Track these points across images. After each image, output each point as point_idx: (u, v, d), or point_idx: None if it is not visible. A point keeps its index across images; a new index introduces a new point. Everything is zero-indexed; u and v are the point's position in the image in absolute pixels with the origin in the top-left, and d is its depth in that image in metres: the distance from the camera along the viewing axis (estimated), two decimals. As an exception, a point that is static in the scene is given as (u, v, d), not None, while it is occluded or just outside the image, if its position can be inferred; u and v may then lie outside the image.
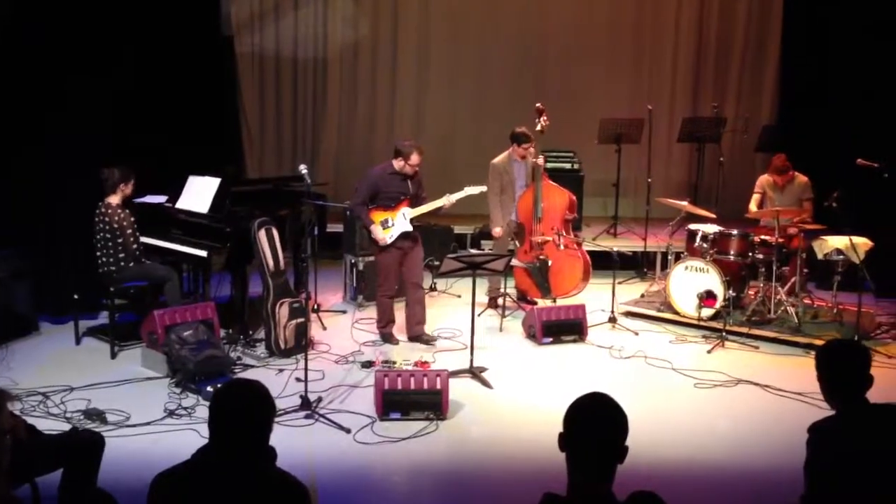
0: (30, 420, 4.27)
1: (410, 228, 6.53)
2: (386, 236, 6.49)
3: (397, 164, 6.49)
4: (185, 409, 5.31)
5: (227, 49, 9.87)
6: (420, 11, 10.28)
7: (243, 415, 2.53)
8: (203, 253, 6.57)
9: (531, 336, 6.98)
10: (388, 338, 6.79)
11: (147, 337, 6.11)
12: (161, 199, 7.17)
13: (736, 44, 10.47)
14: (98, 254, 6.39)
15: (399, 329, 6.88)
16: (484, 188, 6.95)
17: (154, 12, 8.04)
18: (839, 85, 9.14)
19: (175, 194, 7.02)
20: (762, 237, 7.25)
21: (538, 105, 7.44)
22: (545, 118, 7.37)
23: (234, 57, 9.98)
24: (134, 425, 5.09)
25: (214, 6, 9.63)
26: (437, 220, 8.08)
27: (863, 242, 7.01)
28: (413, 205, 6.55)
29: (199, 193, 6.86)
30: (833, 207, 6.66)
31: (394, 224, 6.50)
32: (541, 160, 7.40)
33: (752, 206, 7.69)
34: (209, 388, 5.43)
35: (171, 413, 5.25)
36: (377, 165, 6.80)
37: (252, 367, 6.20)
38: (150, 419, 5.15)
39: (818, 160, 7.92)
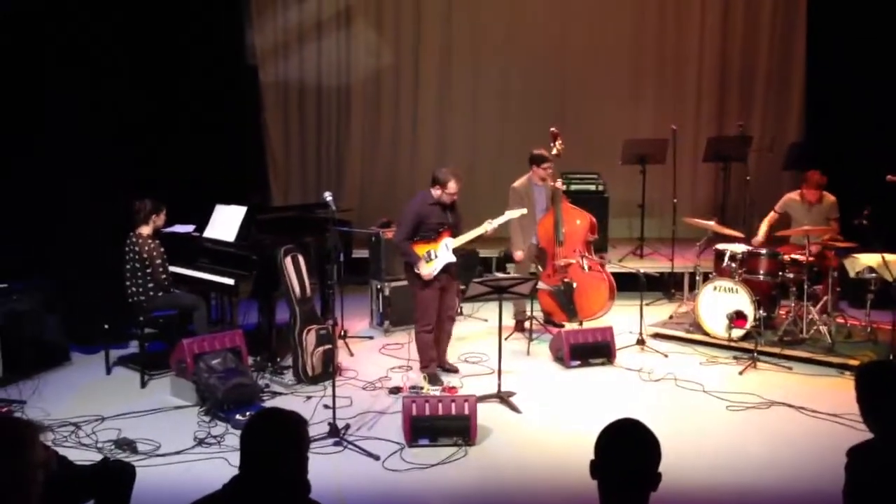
0: (61, 451, 4.30)
1: (454, 259, 6.32)
2: (431, 270, 6.24)
3: (435, 192, 6.27)
4: (215, 437, 5.31)
5: (251, 79, 9.99)
6: (442, 39, 10.35)
7: (273, 449, 2.51)
8: (230, 281, 6.62)
9: (559, 359, 6.93)
10: (435, 379, 6.33)
11: (176, 366, 6.15)
12: (189, 228, 7.25)
13: (761, 61, 10.42)
14: (127, 283, 6.46)
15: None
16: (524, 210, 6.87)
17: (179, 43, 8.18)
18: (866, 101, 9.04)
19: (202, 223, 7.09)
20: (792, 256, 7.16)
21: (552, 129, 7.45)
22: (560, 142, 7.38)
23: (258, 86, 10.10)
24: (164, 454, 5.11)
25: (239, 37, 9.77)
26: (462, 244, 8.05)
27: (895, 260, 6.90)
28: (453, 235, 6.36)
29: (225, 222, 6.93)
30: (864, 225, 6.58)
31: (437, 256, 6.28)
32: (559, 183, 7.41)
33: (763, 226, 7.67)
34: (238, 416, 5.45)
35: (200, 442, 5.27)
36: (414, 198, 6.50)
37: (280, 394, 6.21)
38: (180, 448, 5.17)
39: (847, 177, 7.83)
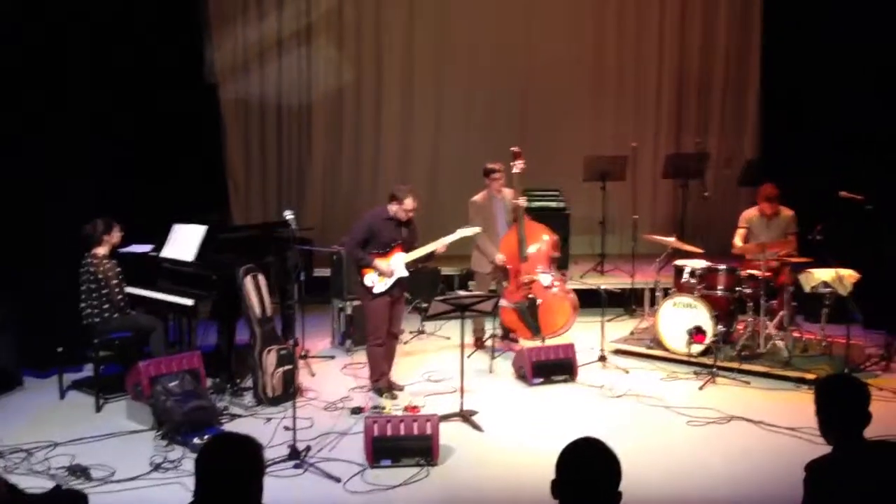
0: (12, 478, 4.19)
1: (406, 273, 6.38)
2: (383, 284, 6.30)
3: (392, 208, 6.32)
4: (172, 462, 5.21)
5: (211, 97, 9.91)
6: (403, 56, 10.37)
7: (229, 475, 2.46)
8: (189, 302, 6.52)
9: (521, 377, 6.93)
10: (383, 391, 6.46)
11: (132, 389, 6.04)
12: (146, 248, 7.14)
13: (717, 81, 10.61)
14: (82, 305, 6.33)
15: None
16: (477, 229, 6.88)
17: (137, 61, 8.09)
18: (819, 119, 9.23)
19: (160, 243, 6.99)
20: (749, 271, 7.25)
21: (513, 149, 7.49)
22: (521, 161, 7.42)
23: (218, 104, 10.01)
24: (119, 480, 4.99)
25: (198, 54, 9.69)
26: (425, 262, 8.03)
27: (849, 274, 7.03)
28: (406, 251, 6.41)
29: (184, 242, 6.84)
30: (818, 240, 6.70)
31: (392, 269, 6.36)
32: (522, 201, 7.45)
33: (738, 241, 7.69)
34: (196, 440, 5.35)
35: (157, 466, 5.16)
36: (371, 211, 6.58)
37: (239, 416, 6.11)
38: (136, 473, 5.06)
39: (802, 193, 7.97)
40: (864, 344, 7.44)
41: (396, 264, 6.35)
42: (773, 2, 10.14)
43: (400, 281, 6.40)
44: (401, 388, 6.65)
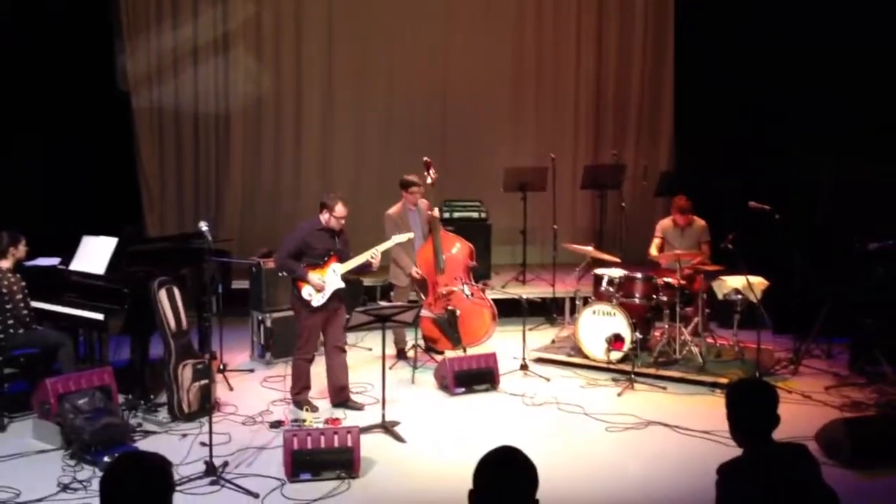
0: None
1: (343, 284, 6.31)
2: (320, 297, 6.21)
3: (323, 217, 6.27)
4: (81, 482, 5.02)
5: (123, 104, 9.62)
6: (323, 65, 10.29)
7: (134, 496, 2.36)
8: (99, 316, 6.30)
9: (443, 387, 6.92)
10: (302, 404, 6.34)
11: (39, 407, 5.80)
12: (53, 261, 6.87)
13: (633, 95, 10.85)
14: (-15, 321, 6.05)
15: (321, 394, 6.57)
16: (411, 235, 6.90)
17: (45, 67, 7.82)
18: (730, 133, 9.55)
19: (68, 256, 6.73)
20: (665, 280, 7.43)
21: (425, 159, 7.54)
22: (433, 171, 7.46)
23: (131, 112, 9.73)
24: (25, 502, 4.78)
25: (109, 61, 9.40)
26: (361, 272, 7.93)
27: (759, 282, 7.27)
28: (340, 261, 6.34)
29: (94, 254, 6.60)
30: (729, 249, 6.92)
31: (325, 282, 6.26)
32: (436, 212, 7.48)
33: (653, 250, 7.89)
34: (106, 459, 5.16)
35: (64, 487, 4.97)
36: (304, 222, 6.51)
37: (154, 433, 5.93)
38: (43, 495, 4.86)
39: (713, 204, 8.22)
40: (773, 348, 7.70)
41: (331, 276, 6.27)
42: (686, 16, 10.45)
43: (337, 292, 6.32)
44: (362, 406, 6.44)
